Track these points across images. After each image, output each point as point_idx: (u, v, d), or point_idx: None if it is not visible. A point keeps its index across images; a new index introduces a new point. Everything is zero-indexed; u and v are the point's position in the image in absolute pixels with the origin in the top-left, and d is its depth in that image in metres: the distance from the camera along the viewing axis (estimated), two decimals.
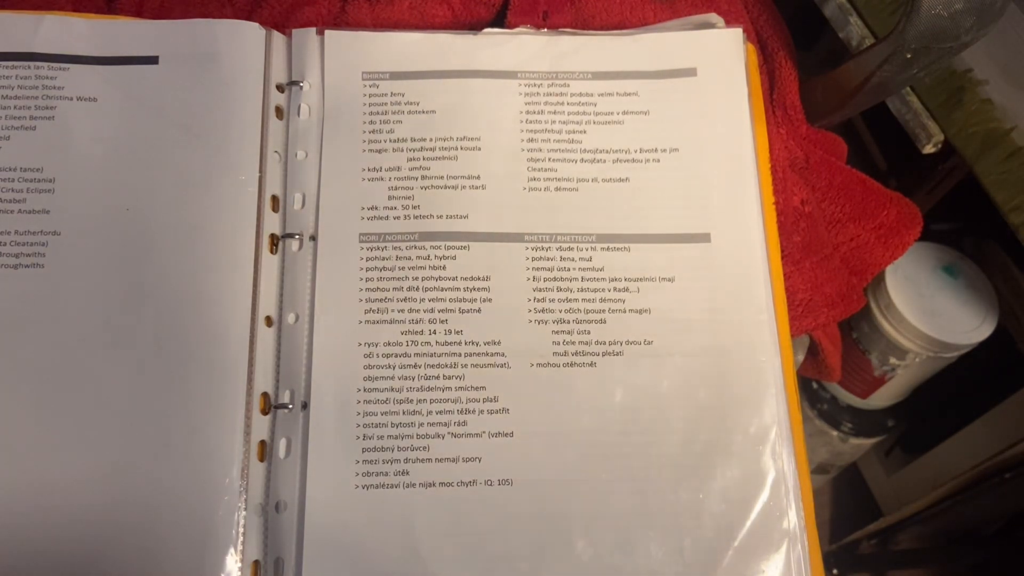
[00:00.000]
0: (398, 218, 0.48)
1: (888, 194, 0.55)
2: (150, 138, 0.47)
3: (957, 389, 0.84)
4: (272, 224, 0.47)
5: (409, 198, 0.48)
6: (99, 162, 0.47)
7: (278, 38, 0.51)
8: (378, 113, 0.50)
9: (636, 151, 0.50)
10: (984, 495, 0.79)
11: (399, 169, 0.49)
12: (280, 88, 0.50)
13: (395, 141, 0.49)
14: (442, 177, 0.49)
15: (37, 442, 0.42)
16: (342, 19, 0.53)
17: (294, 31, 0.51)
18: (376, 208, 0.48)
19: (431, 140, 0.49)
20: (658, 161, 0.50)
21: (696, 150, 0.50)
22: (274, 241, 0.47)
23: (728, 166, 0.49)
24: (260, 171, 0.47)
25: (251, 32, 0.49)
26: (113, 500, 0.41)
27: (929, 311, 0.74)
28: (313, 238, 0.47)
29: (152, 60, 0.49)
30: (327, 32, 0.51)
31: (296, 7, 0.53)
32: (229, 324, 0.44)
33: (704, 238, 0.48)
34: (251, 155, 0.47)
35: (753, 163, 0.50)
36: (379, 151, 0.49)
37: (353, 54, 0.51)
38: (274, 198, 0.48)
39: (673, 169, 0.49)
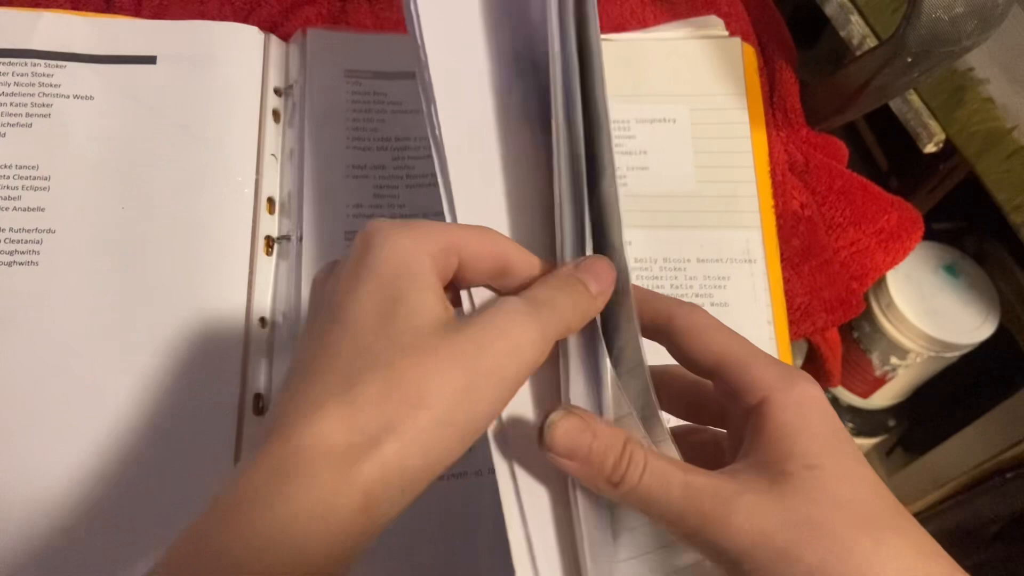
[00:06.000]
0: (384, 216, 0.47)
1: (889, 199, 0.54)
2: (147, 137, 0.47)
3: (958, 389, 0.84)
4: (269, 226, 0.47)
5: (395, 196, 0.48)
6: (95, 160, 0.47)
7: (276, 42, 0.50)
8: (361, 111, 0.50)
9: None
10: (984, 495, 0.79)
11: (384, 168, 0.48)
12: (278, 92, 0.50)
13: (379, 140, 0.49)
14: (426, 176, 0.48)
15: (30, 439, 0.41)
16: (342, 19, 0.53)
17: (294, 36, 0.51)
18: (361, 206, 0.48)
19: (415, 140, 0.49)
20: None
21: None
22: (270, 243, 0.47)
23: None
24: (256, 173, 0.47)
25: (249, 35, 0.49)
26: (104, 499, 0.41)
27: (930, 310, 0.74)
28: (301, 239, 0.47)
29: (150, 60, 0.49)
30: (309, 31, 0.51)
31: (296, 6, 0.53)
32: (223, 324, 0.44)
33: None
34: (248, 157, 0.47)
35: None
36: (363, 148, 0.49)
37: (336, 53, 0.51)
38: (270, 200, 0.47)
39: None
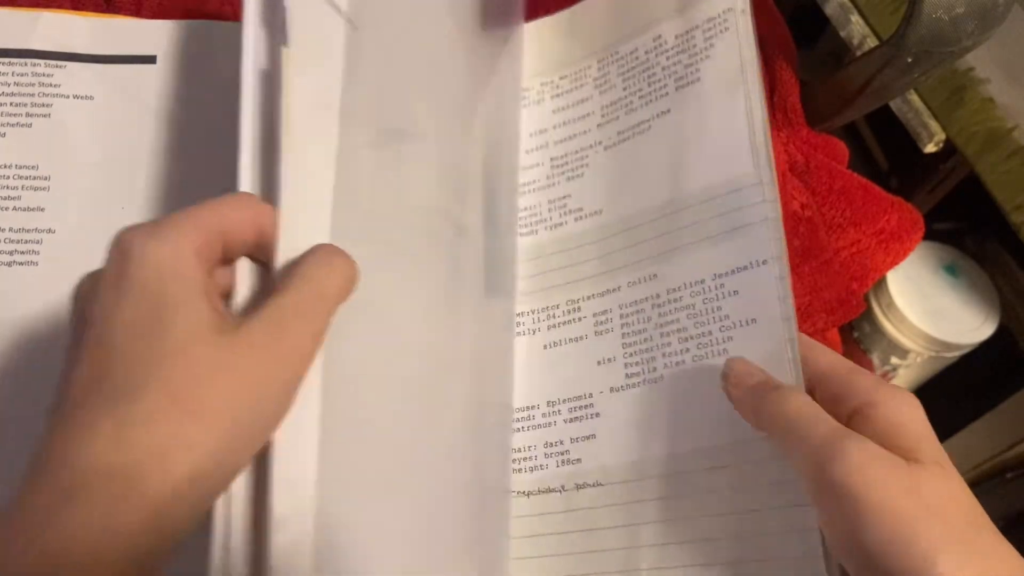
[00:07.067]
0: None
1: (889, 199, 0.54)
2: (146, 138, 0.47)
3: (958, 389, 0.84)
4: None
5: None
6: (95, 160, 0.47)
7: None
8: None
9: None
10: (984, 495, 0.79)
11: None
12: None
13: None
14: None
15: (29, 441, 0.41)
16: None
17: None
18: None
19: None
20: None
21: None
22: None
23: None
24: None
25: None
26: None
27: (930, 311, 0.74)
28: None
29: (150, 60, 0.49)
30: None
31: None
32: None
33: None
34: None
35: None
36: None
37: None
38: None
39: None
